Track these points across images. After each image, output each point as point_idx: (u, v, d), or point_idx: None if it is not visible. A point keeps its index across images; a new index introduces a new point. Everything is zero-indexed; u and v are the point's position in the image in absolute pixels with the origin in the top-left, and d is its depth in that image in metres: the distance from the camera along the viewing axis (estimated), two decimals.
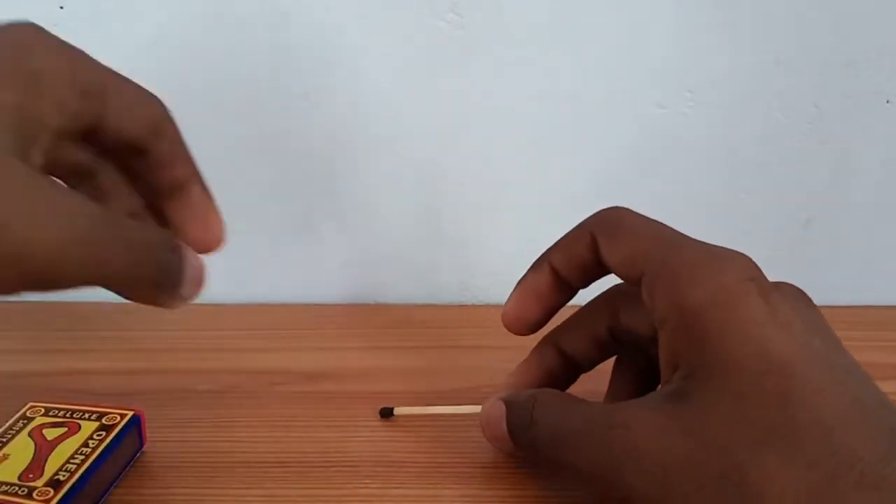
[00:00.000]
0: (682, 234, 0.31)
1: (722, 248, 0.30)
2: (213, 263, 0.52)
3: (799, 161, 0.50)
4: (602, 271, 0.33)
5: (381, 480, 0.35)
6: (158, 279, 0.26)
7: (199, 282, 0.28)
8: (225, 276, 0.53)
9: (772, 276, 0.31)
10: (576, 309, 0.36)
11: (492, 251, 0.52)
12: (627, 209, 0.33)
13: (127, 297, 0.25)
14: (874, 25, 0.47)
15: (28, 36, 0.25)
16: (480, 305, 0.53)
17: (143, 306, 0.26)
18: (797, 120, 0.49)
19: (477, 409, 0.37)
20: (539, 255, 0.35)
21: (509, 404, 0.33)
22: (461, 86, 0.48)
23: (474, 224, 0.51)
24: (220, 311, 0.51)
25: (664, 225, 0.32)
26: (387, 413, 0.39)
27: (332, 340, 0.48)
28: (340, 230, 0.52)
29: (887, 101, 0.49)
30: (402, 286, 0.53)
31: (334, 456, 0.37)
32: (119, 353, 0.45)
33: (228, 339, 0.47)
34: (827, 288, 0.54)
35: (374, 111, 0.48)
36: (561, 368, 0.36)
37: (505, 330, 0.37)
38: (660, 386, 0.30)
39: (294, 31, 0.46)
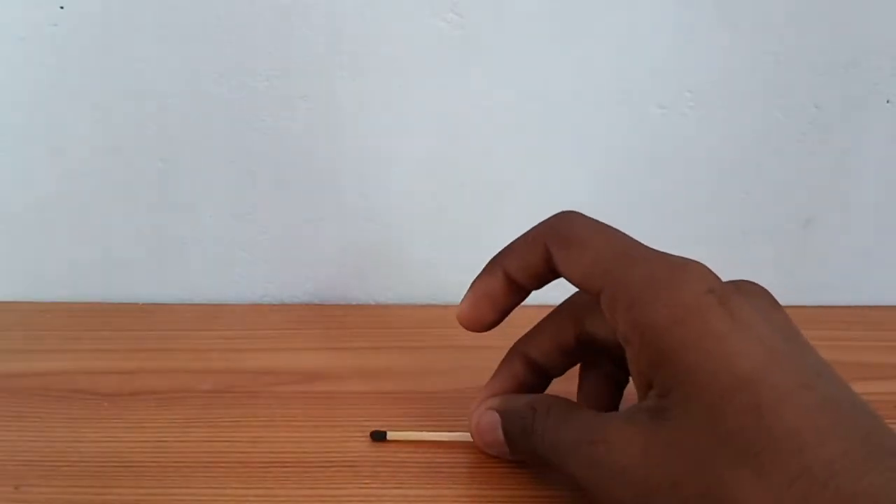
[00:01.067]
0: (636, 244, 0.31)
1: (678, 257, 0.30)
2: (212, 262, 0.52)
3: (799, 161, 0.50)
4: (557, 277, 0.33)
5: (381, 480, 0.35)
6: None
7: None
8: (224, 276, 0.53)
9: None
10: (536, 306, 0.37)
11: (492, 251, 0.52)
12: (578, 214, 0.33)
13: None
14: (874, 25, 0.47)
15: None
16: None
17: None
18: (797, 120, 0.49)
19: (468, 436, 0.37)
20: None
21: (505, 413, 0.34)
22: (461, 86, 0.48)
23: (474, 224, 0.51)
24: (220, 311, 0.50)
25: (618, 232, 0.32)
26: (380, 436, 0.38)
27: (332, 340, 0.48)
28: (340, 231, 0.52)
29: (887, 101, 0.49)
30: (401, 286, 0.53)
31: (334, 456, 0.37)
32: (119, 353, 0.45)
33: (228, 339, 0.47)
34: (827, 288, 0.54)
35: (374, 111, 0.48)
36: (531, 377, 0.36)
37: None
38: (639, 400, 0.30)
39: (294, 31, 0.46)
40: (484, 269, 0.35)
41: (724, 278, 0.29)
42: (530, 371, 0.36)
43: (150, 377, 0.43)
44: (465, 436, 0.37)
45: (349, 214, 0.51)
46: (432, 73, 0.47)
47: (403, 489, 0.35)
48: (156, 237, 0.51)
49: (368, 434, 0.38)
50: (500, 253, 0.35)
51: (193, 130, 0.49)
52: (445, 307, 0.52)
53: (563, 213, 0.33)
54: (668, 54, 0.47)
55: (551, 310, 0.37)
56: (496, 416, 0.34)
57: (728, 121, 0.49)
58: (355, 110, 0.48)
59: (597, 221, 0.32)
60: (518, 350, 0.37)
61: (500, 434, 0.34)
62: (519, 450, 0.34)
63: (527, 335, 0.37)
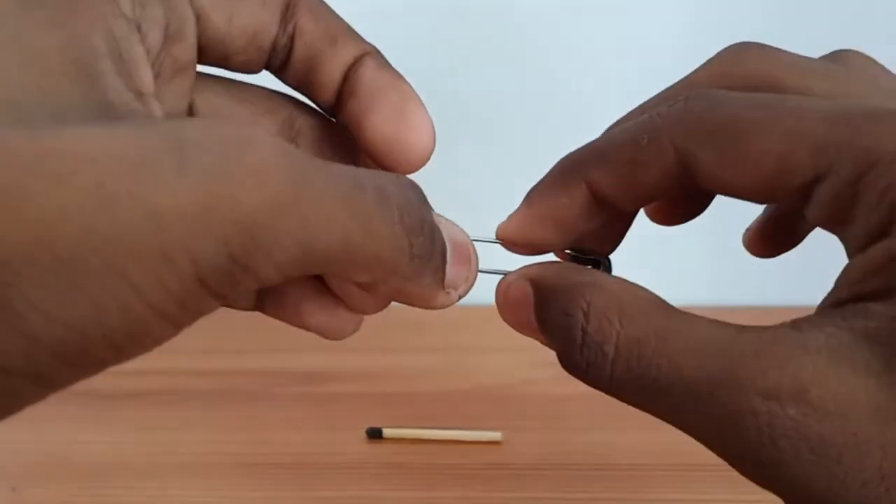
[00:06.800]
0: (854, 105, 0.19)
1: None
2: None
3: None
4: (693, 190, 0.21)
5: (383, 482, 0.35)
6: (418, 251, 0.19)
7: (465, 256, 0.22)
8: None
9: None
10: None
11: (492, 252, 0.51)
12: (726, 91, 0.20)
13: (383, 291, 0.20)
14: (874, 26, 0.47)
15: None
16: (480, 306, 0.53)
17: None
18: None
19: (467, 434, 0.37)
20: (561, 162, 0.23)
21: (541, 290, 0.22)
22: (460, 85, 0.48)
23: (474, 224, 0.51)
24: (220, 311, 0.50)
25: (796, 99, 0.19)
26: (375, 433, 0.38)
27: (332, 341, 0.47)
28: None
29: None
30: None
31: (335, 457, 0.37)
32: None
33: (228, 339, 0.47)
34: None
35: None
36: (596, 213, 0.22)
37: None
38: (833, 303, 0.19)
39: None
40: (551, 175, 0.23)
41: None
42: (595, 205, 0.22)
43: (150, 377, 0.43)
44: (460, 434, 0.37)
45: None
46: (432, 72, 0.47)
47: (403, 491, 0.35)
48: None
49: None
50: (579, 154, 0.22)
51: None
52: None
53: (698, 94, 0.20)
54: (669, 54, 0.47)
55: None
56: (528, 292, 0.22)
57: None
58: None
59: (748, 96, 0.20)
60: (578, 172, 0.22)
61: (532, 317, 0.22)
62: (566, 360, 0.20)
63: (591, 151, 0.22)
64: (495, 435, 0.38)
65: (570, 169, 0.22)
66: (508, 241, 0.24)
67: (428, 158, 0.22)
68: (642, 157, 0.20)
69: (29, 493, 0.34)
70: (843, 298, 0.18)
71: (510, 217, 0.24)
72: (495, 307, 0.38)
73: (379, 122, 0.21)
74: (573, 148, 0.23)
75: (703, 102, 0.19)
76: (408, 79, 0.22)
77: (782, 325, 0.18)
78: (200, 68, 0.21)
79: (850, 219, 0.18)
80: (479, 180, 0.51)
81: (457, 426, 0.38)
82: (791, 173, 0.18)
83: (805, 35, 0.47)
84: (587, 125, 0.28)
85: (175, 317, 0.16)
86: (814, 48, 0.24)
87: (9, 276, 0.14)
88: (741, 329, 0.18)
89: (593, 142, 0.22)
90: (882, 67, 0.22)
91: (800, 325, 0.18)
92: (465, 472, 0.36)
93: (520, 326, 0.24)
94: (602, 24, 0.48)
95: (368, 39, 0.22)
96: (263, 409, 0.40)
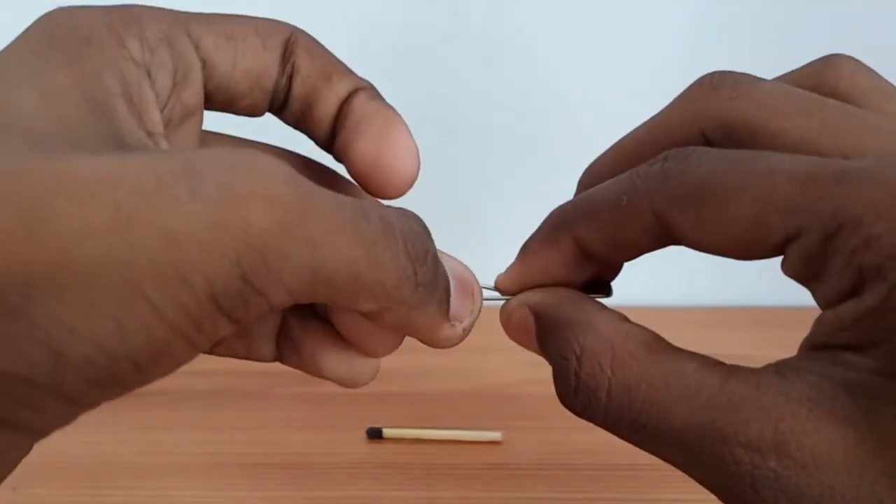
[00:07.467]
0: (818, 161, 0.19)
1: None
2: None
3: None
4: (673, 244, 0.22)
5: (382, 482, 0.35)
6: (422, 280, 0.19)
7: (468, 289, 0.23)
8: None
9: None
10: None
11: (491, 252, 0.52)
12: (703, 151, 0.20)
13: (390, 321, 0.20)
14: (873, 27, 0.47)
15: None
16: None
17: None
18: None
19: (467, 434, 0.37)
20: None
21: (541, 321, 0.24)
22: (460, 84, 0.48)
23: (472, 225, 0.51)
24: None
25: (769, 156, 0.19)
26: (375, 433, 0.38)
27: None
28: None
29: None
30: None
31: (335, 457, 0.37)
32: None
33: None
34: None
35: None
36: (584, 264, 0.23)
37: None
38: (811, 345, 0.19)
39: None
40: (542, 231, 0.24)
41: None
42: (584, 259, 0.23)
43: None
44: (460, 434, 0.38)
45: None
46: (431, 70, 0.47)
47: (403, 491, 0.35)
48: None
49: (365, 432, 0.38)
50: (567, 210, 0.23)
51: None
52: None
53: (677, 154, 0.20)
54: (669, 54, 0.47)
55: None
56: (530, 320, 0.24)
57: None
58: None
59: (722, 155, 0.20)
60: (566, 226, 0.23)
61: (534, 341, 0.24)
62: (563, 399, 0.22)
63: (577, 208, 0.23)
64: (495, 435, 0.38)
65: (559, 225, 0.23)
66: (506, 293, 0.25)
67: (412, 183, 0.23)
68: (623, 216, 0.21)
69: (29, 493, 0.34)
70: (818, 344, 0.19)
71: (507, 270, 0.25)
72: (495, 308, 0.38)
73: (363, 147, 0.22)
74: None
75: (679, 164, 0.20)
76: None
77: (768, 367, 0.19)
78: (208, 124, 0.22)
79: (820, 277, 0.19)
80: (477, 184, 0.51)
81: (457, 426, 0.38)
82: (764, 236, 0.19)
83: (802, 36, 0.47)
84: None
85: (192, 338, 0.16)
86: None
87: (31, 292, 0.14)
88: (729, 374, 0.19)
89: (581, 196, 0.23)
90: (872, 72, 0.23)
91: (783, 370, 0.19)
92: (465, 472, 0.36)
93: (525, 347, 0.25)
94: (602, 26, 0.48)
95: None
96: (263, 409, 0.40)
